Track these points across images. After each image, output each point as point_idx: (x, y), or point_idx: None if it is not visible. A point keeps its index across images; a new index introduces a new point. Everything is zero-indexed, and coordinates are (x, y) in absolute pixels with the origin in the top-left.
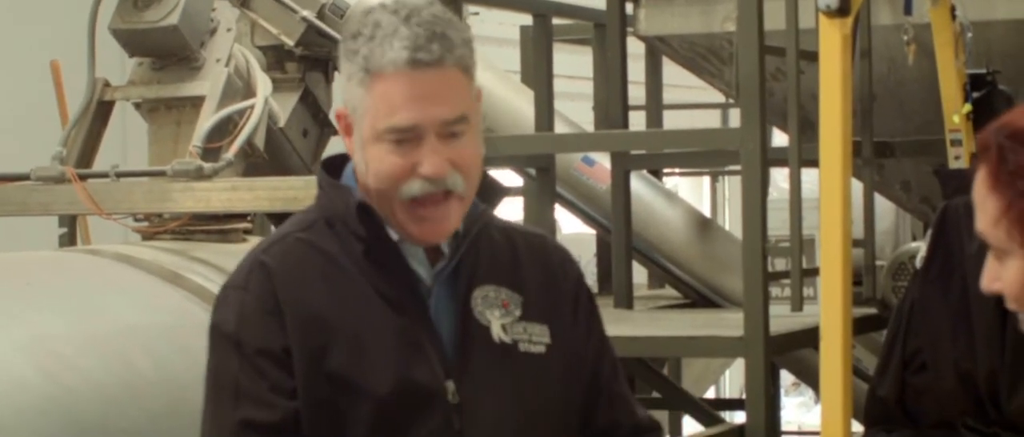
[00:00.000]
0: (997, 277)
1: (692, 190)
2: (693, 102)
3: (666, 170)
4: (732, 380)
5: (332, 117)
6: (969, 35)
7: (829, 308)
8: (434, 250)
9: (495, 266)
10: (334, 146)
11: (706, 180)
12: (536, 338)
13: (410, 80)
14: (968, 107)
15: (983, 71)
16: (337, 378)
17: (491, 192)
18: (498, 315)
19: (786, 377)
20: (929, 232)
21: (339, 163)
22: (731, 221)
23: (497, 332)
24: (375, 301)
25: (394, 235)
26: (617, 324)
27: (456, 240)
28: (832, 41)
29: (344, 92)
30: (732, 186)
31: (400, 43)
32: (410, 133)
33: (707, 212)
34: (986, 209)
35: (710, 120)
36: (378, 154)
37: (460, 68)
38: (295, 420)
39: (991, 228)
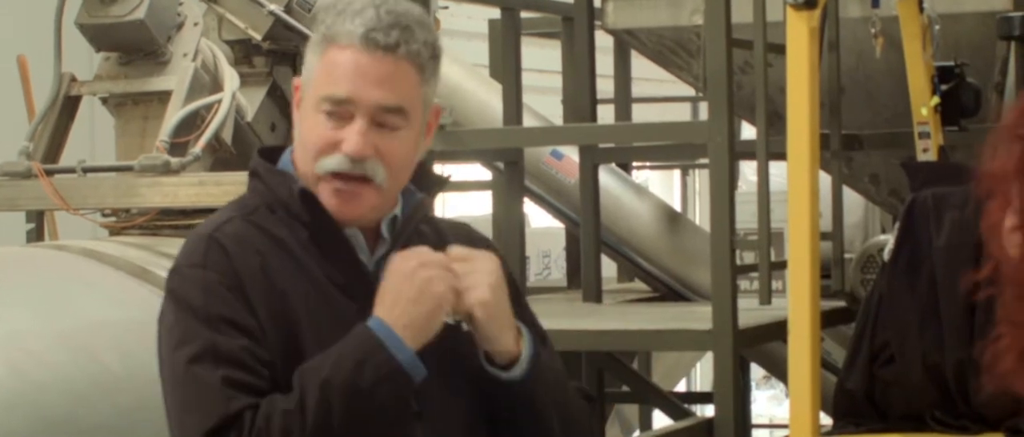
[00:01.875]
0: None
1: (663, 184)
2: (663, 95)
3: (636, 164)
4: (703, 374)
5: None
6: (937, 28)
7: (797, 301)
8: (374, 236)
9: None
10: None
11: (676, 174)
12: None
13: (358, 56)
14: (936, 100)
15: (951, 64)
16: (294, 360)
17: (431, 182)
18: None
19: (757, 370)
20: (897, 225)
21: (275, 153)
22: (701, 214)
23: None
24: (326, 286)
25: None
26: (586, 318)
27: (395, 226)
28: (799, 34)
29: (304, 66)
30: (702, 179)
31: (361, 20)
32: (343, 106)
33: (677, 206)
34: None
35: (680, 113)
36: (311, 123)
37: (413, 64)
38: (270, 366)
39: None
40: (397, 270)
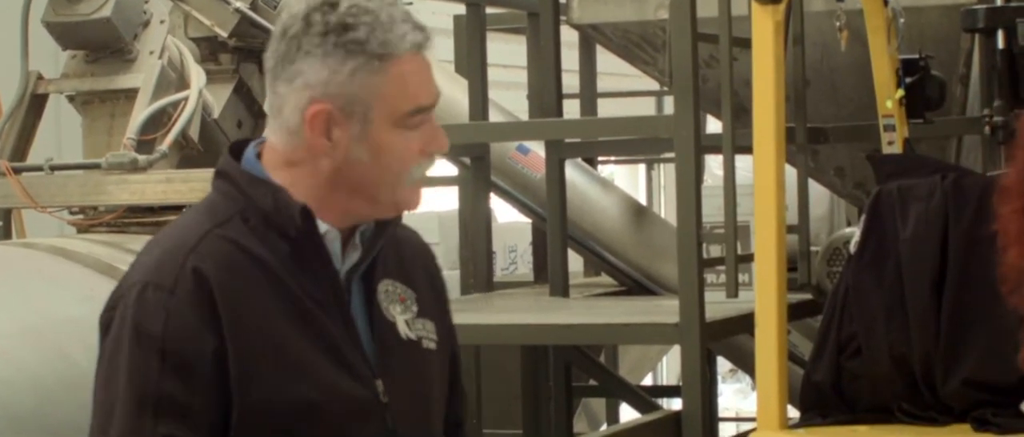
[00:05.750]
0: None
1: (628, 178)
2: (628, 90)
3: (602, 158)
4: (670, 367)
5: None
6: (901, 21)
7: (763, 294)
8: (345, 240)
9: (389, 261)
10: None
11: (642, 168)
12: (430, 335)
13: (424, 62)
14: (901, 92)
15: (916, 56)
16: (279, 390)
17: None
18: (399, 310)
19: (723, 364)
20: (862, 217)
21: (242, 149)
22: (667, 208)
23: (403, 329)
24: (304, 304)
25: (322, 227)
26: (553, 312)
27: (363, 234)
28: (764, 28)
29: (322, 87)
30: (668, 173)
31: (407, 26)
32: (430, 112)
33: (643, 200)
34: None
35: (646, 108)
36: (399, 140)
37: None
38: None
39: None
40: None
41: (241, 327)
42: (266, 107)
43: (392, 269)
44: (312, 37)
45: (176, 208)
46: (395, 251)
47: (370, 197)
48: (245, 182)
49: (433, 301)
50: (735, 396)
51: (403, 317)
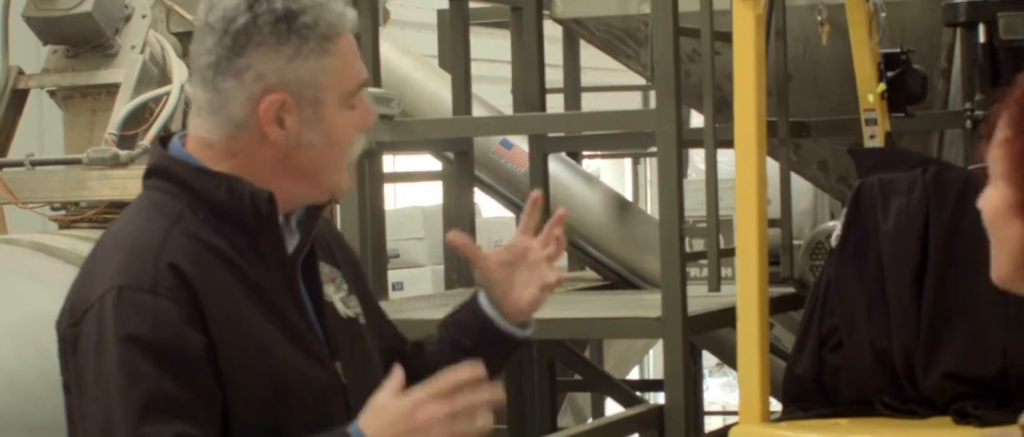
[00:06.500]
0: (986, 199)
1: (614, 173)
2: (612, 84)
3: (587, 153)
4: (655, 361)
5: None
6: (883, 15)
7: (745, 288)
8: (286, 228)
9: (318, 242)
10: None
11: (627, 163)
12: (359, 310)
13: (352, 37)
14: (883, 86)
15: (897, 50)
16: (255, 379)
17: None
18: (333, 290)
19: (710, 358)
20: (844, 211)
21: (164, 145)
22: (653, 203)
23: (342, 308)
24: (264, 293)
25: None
26: None
27: (298, 220)
28: (745, 22)
29: (272, 76)
30: (653, 168)
31: (341, 4)
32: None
33: (629, 194)
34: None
35: (632, 102)
36: (348, 119)
37: None
38: (223, 430)
39: (993, 148)
40: (400, 412)
41: (219, 320)
42: (196, 106)
43: (319, 250)
44: (261, 28)
45: None
46: (317, 232)
47: (315, 181)
48: (191, 176)
49: (352, 275)
50: (721, 390)
51: (338, 296)
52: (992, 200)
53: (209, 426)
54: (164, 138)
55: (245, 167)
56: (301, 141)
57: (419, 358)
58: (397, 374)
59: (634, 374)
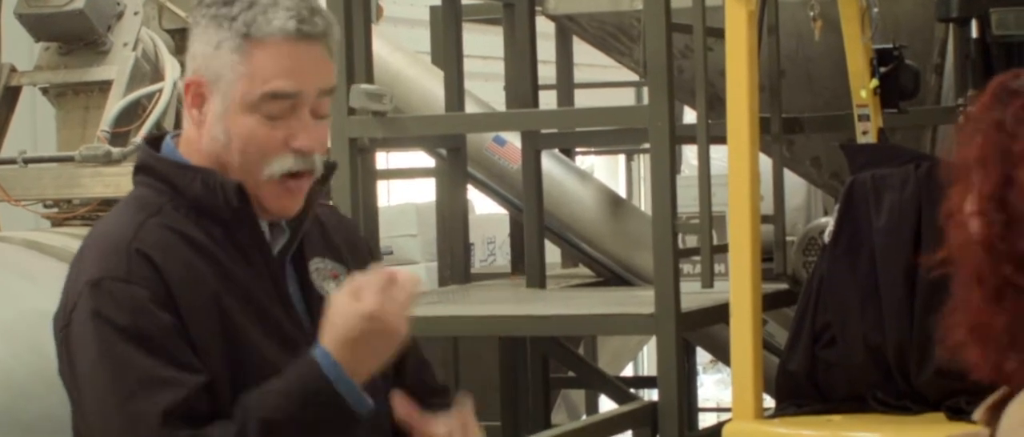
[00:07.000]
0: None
1: (608, 169)
2: (605, 81)
3: (581, 150)
4: (649, 358)
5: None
6: (875, 10)
7: (738, 284)
8: (273, 224)
9: (316, 238)
10: None
11: (621, 159)
12: None
13: (294, 49)
14: (875, 82)
15: (890, 46)
16: (226, 368)
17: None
18: (333, 287)
19: (705, 355)
20: (836, 207)
21: (159, 143)
22: (646, 199)
23: None
24: (243, 286)
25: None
26: (529, 304)
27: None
28: (738, 18)
29: (199, 59)
30: (647, 165)
31: (286, 13)
32: (288, 101)
33: (623, 191)
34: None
35: (625, 99)
36: (248, 125)
37: (330, 49)
38: (208, 390)
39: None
40: (351, 311)
41: (190, 307)
42: None
43: (320, 247)
44: (199, 10)
45: None
46: (319, 230)
47: (248, 186)
48: (170, 171)
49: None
50: (716, 386)
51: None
52: (949, 204)
53: (201, 399)
54: (156, 138)
55: (215, 162)
56: (211, 131)
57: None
58: (355, 279)
59: (628, 371)
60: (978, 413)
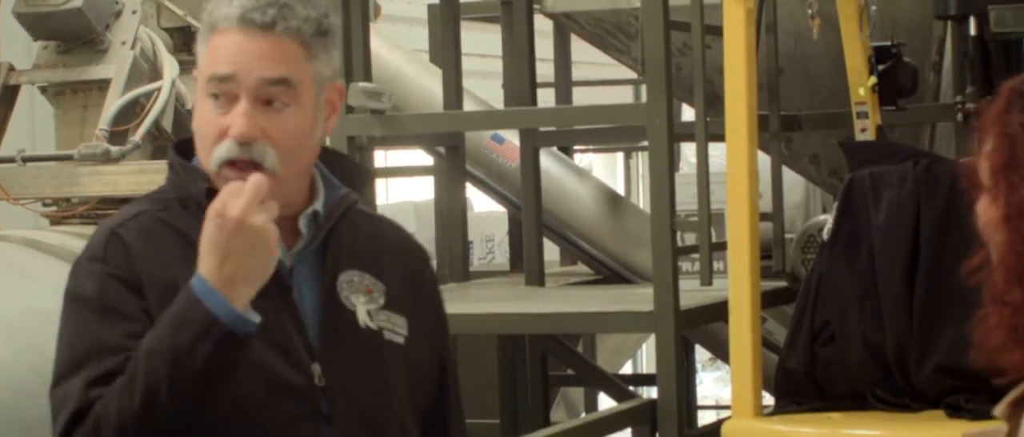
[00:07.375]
0: (979, 210)
1: (606, 167)
2: (603, 79)
3: (579, 148)
4: (648, 355)
5: None
6: (873, 8)
7: (737, 282)
8: (291, 231)
9: (360, 252)
10: None
11: (620, 157)
12: (397, 328)
13: (239, 36)
14: (874, 80)
15: (888, 43)
16: None
17: (357, 176)
18: (363, 301)
19: (704, 352)
20: (835, 204)
21: (190, 145)
22: (645, 197)
23: (363, 318)
24: None
25: None
26: (528, 301)
27: (316, 221)
28: (736, 16)
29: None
30: (645, 162)
31: (239, 2)
32: (226, 85)
33: (621, 189)
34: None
35: (623, 97)
36: (200, 112)
37: (295, 40)
38: None
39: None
40: (219, 224)
41: (159, 295)
42: None
43: (362, 261)
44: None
45: None
46: (372, 245)
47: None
48: (180, 170)
49: (410, 300)
50: (715, 384)
51: (366, 307)
52: (980, 212)
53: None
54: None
55: None
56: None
57: None
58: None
59: (627, 369)
60: (999, 409)
